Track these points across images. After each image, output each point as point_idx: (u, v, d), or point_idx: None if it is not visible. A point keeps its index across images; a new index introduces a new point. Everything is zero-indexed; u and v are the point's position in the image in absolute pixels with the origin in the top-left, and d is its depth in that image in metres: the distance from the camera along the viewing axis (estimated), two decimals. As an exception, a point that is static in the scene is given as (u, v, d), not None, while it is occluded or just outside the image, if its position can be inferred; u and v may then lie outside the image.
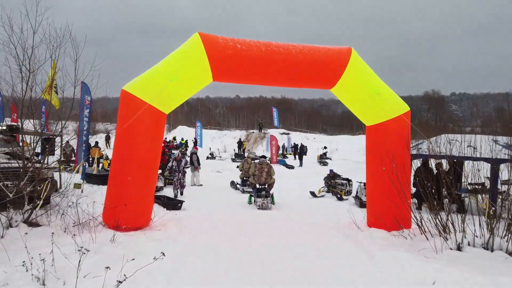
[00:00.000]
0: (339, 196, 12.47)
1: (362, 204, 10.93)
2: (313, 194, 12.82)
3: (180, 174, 11.88)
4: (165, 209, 8.80)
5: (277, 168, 22.30)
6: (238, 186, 13.98)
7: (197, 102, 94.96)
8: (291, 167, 23.41)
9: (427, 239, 5.91)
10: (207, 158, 28.28)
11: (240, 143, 35.14)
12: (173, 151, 23.86)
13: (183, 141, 34.87)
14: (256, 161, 12.03)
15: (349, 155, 37.60)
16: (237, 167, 15.16)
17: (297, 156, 27.47)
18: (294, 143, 28.94)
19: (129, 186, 6.51)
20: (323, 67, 7.28)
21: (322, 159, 28.30)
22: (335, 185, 13.57)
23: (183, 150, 22.88)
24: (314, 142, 43.53)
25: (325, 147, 34.32)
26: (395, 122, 7.29)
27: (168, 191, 12.31)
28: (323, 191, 13.56)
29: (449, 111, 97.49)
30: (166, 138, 39.65)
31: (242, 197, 12.42)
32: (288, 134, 42.27)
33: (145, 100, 6.52)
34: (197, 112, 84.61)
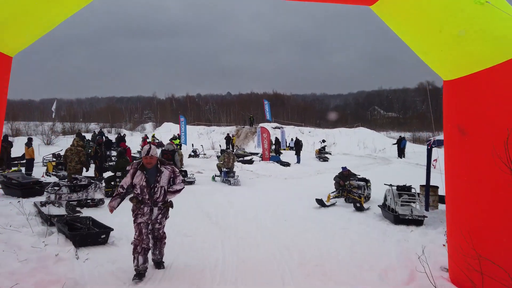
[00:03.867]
0: (358, 205, 8.77)
1: (397, 219, 7.28)
2: (321, 203, 9.12)
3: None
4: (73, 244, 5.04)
5: (271, 166, 18.63)
6: (217, 178, 14.15)
7: (186, 99, 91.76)
8: (287, 164, 19.73)
9: None
10: (190, 156, 24.46)
11: (229, 139, 31.34)
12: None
13: (177, 141, 25.37)
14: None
15: (349, 149, 34.18)
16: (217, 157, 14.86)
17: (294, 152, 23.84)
18: (296, 138, 25.15)
19: None
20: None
21: (322, 154, 24.65)
22: (351, 188, 9.90)
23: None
24: (310, 136, 39.97)
25: (323, 141, 30.72)
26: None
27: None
28: (333, 197, 9.90)
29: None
30: (146, 135, 35.83)
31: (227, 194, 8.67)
32: (281, 128, 38.56)
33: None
34: (186, 109, 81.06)
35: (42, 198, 8.54)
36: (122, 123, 64.06)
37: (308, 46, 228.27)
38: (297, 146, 22.31)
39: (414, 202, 7.80)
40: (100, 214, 7.74)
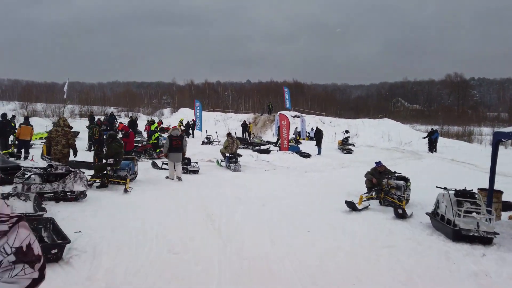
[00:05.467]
0: (400, 211, 6.94)
1: (457, 235, 5.48)
2: (351, 206, 7.33)
3: None
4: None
5: (289, 157, 16.87)
6: (222, 163, 13.54)
7: (205, 85, 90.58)
8: (307, 155, 17.91)
9: None
10: (203, 143, 22.93)
11: (245, 126, 29.64)
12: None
13: (154, 125, 17.95)
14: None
15: (373, 141, 31.97)
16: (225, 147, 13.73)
17: (314, 143, 21.98)
18: (317, 127, 23.27)
19: None
20: None
21: (345, 145, 22.66)
22: (388, 188, 8.07)
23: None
24: (331, 126, 37.83)
25: (346, 131, 28.60)
26: None
27: (100, 196, 6.99)
28: (366, 199, 8.10)
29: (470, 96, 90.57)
30: (151, 119, 34.38)
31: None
32: (301, 116, 36.57)
33: None
34: (204, 95, 79.86)
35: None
36: (140, 108, 63.59)
37: (330, 35, 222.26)
38: (318, 136, 20.41)
39: (478, 213, 5.94)
40: (78, 211, 6.26)
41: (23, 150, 12.37)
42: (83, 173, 7.00)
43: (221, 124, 40.31)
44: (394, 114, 65.90)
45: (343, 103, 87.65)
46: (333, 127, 36.84)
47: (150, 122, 19.20)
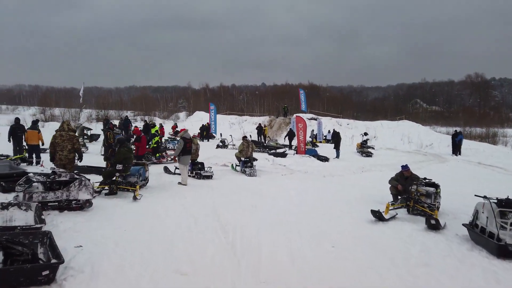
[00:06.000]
0: (433, 222, 6.26)
1: (503, 250, 4.81)
2: (378, 215, 6.69)
3: None
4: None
5: (307, 161, 16.25)
6: (237, 168, 13.11)
7: (220, 88, 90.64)
8: (325, 159, 17.23)
9: None
10: (217, 146, 22.49)
11: (260, 129, 29.11)
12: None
13: (155, 128, 17.54)
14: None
15: (392, 143, 30.94)
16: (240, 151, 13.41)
17: (331, 146, 21.28)
18: (334, 130, 22.58)
19: None
20: None
21: (364, 148, 21.85)
22: (418, 196, 7.39)
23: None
24: (348, 128, 36.95)
25: (365, 133, 27.75)
26: None
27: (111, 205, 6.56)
28: (393, 208, 7.43)
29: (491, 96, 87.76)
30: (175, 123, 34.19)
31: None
32: (317, 119, 35.83)
33: None
34: (220, 98, 79.88)
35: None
36: (156, 112, 64.07)
37: (344, 38, 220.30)
38: (336, 138, 19.69)
39: (526, 225, 5.23)
40: (82, 222, 5.82)
41: (34, 155, 12.12)
42: (89, 180, 6.57)
43: (236, 127, 39.91)
44: (413, 115, 64.28)
45: (360, 105, 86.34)
46: (351, 130, 35.95)
47: (150, 125, 18.38)
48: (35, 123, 12.76)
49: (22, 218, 5.47)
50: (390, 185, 8.41)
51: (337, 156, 18.79)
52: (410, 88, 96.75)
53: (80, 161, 8.25)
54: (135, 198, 7.54)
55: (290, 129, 26.47)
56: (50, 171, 6.90)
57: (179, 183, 9.79)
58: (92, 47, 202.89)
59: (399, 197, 8.08)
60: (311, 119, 36.36)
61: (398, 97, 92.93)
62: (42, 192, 6.16)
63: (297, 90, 53.87)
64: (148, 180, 9.34)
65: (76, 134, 8.84)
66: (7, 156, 11.95)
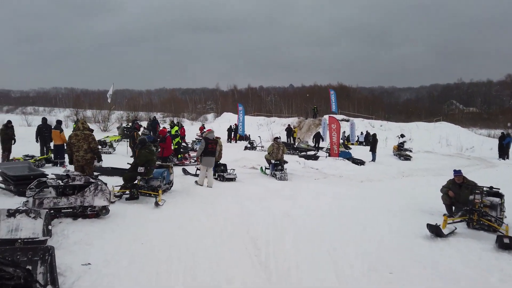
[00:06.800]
0: (506, 240, 5.18)
1: None
2: (436, 231, 5.67)
3: None
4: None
5: (340, 164, 15.21)
6: (267, 171, 12.35)
7: (248, 90, 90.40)
8: (361, 162, 16.12)
9: None
10: (246, 148, 21.79)
11: (290, 130, 28.20)
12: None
13: (175, 128, 16.08)
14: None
15: (429, 146, 29.15)
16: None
17: (366, 148, 20.05)
18: (367, 131, 21.39)
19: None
20: None
21: (401, 151, 20.48)
22: (481, 206, 6.30)
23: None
24: (381, 130, 35.34)
25: (402, 135, 26.22)
26: None
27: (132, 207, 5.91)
28: (451, 221, 6.37)
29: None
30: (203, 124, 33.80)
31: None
32: (349, 120, 34.46)
33: None
34: (247, 100, 79.57)
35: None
36: (184, 113, 64.56)
37: (373, 38, 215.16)
38: (373, 140, 18.48)
39: None
40: (96, 232, 5.18)
41: (59, 156, 11.82)
42: (106, 184, 5.93)
43: (264, 128, 39.17)
44: (449, 117, 61.24)
45: (391, 106, 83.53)
46: (384, 131, 34.34)
47: (171, 125, 17.73)
48: (59, 123, 12.48)
49: (30, 227, 4.86)
50: (442, 194, 7.35)
51: (373, 159, 17.62)
52: (445, 89, 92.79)
53: (98, 162, 7.72)
54: (157, 204, 6.88)
55: (318, 132, 25.50)
56: (64, 174, 6.34)
57: (196, 182, 9.52)
58: (123, 50, 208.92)
59: (455, 208, 7.01)
60: (342, 120, 35.06)
61: (432, 98, 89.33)
62: (54, 197, 5.57)
63: (326, 91, 52.50)
64: (172, 184, 8.71)
65: (117, 134, 8.38)
66: (33, 157, 11.71)
